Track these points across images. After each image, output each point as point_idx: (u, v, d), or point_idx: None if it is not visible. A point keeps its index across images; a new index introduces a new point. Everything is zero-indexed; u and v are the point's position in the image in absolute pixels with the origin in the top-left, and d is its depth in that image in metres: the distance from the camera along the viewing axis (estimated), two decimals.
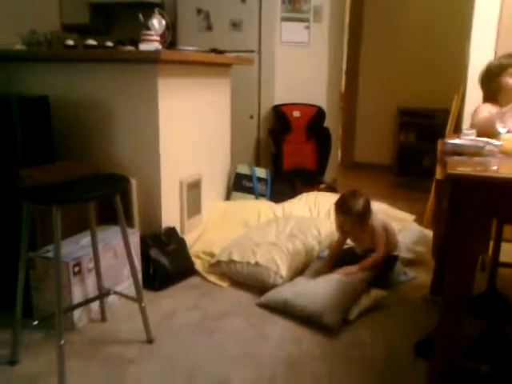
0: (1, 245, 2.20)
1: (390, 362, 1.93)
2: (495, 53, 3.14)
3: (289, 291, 2.31)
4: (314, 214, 3.31)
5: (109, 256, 2.24)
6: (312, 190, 3.67)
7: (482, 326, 1.99)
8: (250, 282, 2.52)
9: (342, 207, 2.48)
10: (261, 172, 3.72)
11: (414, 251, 2.88)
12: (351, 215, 2.44)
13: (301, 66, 4.28)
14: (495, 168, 1.54)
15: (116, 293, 2.22)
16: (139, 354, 1.95)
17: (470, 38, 3.22)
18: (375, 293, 2.36)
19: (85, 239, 2.20)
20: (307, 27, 4.24)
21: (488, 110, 2.24)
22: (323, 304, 2.15)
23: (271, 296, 2.34)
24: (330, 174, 4.53)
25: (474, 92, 3.21)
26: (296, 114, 4.17)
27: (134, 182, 2.60)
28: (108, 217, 2.25)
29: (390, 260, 2.58)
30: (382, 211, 3.01)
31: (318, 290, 2.24)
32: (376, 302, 2.32)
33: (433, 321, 1.79)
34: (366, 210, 2.48)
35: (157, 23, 2.63)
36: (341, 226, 2.53)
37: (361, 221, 2.47)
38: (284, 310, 2.25)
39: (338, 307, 2.16)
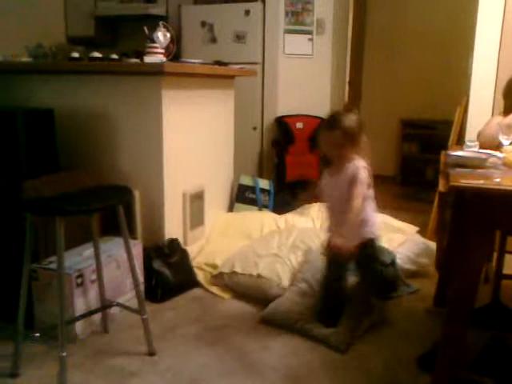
0: (4, 256, 2.20)
1: (393, 375, 1.91)
2: (497, 65, 3.15)
3: (288, 303, 2.29)
4: (316, 225, 3.31)
5: (111, 267, 2.24)
6: (315, 202, 3.67)
7: (486, 338, 1.97)
8: (253, 294, 2.51)
9: (328, 121, 2.04)
10: (264, 183, 3.72)
11: (417, 263, 2.86)
12: (338, 129, 1.96)
13: (304, 78, 4.30)
14: (498, 180, 1.54)
15: (118, 304, 2.21)
16: (141, 367, 1.94)
17: (473, 50, 3.23)
18: (378, 311, 2.32)
19: (88, 251, 2.20)
20: (310, 39, 4.27)
21: (497, 122, 2.23)
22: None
23: (274, 311, 2.31)
24: None
25: (476, 104, 3.23)
26: (299, 125, 4.19)
27: (137, 194, 2.61)
28: (111, 228, 2.25)
29: (366, 246, 2.11)
30: (384, 223, 3.00)
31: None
32: (380, 318, 2.29)
33: (437, 333, 1.78)
34: (358, 130, 2.00)
35: (161, 36, 2.66)
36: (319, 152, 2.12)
37: (347, 143, 1.99)
38: (288, 325, 2.22)
39: (343, 329, 2.13)
